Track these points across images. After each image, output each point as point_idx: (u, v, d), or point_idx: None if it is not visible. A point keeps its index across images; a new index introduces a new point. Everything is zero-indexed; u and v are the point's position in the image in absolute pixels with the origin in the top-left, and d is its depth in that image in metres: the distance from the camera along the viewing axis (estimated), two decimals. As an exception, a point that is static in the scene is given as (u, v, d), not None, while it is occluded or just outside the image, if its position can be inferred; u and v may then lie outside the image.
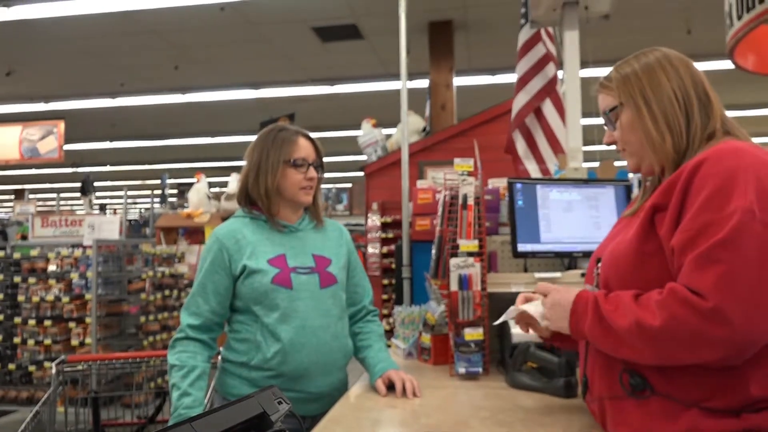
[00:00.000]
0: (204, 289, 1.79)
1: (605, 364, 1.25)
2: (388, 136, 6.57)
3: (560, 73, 3.51)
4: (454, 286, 1.98)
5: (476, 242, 2.01)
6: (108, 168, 17.11)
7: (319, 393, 1.79)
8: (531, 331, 1.56)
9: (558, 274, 2.07)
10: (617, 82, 1.33)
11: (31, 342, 5.32)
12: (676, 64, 1.29)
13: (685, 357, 1.08)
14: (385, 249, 6.51)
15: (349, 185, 17.25)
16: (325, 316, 1.81)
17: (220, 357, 1.89)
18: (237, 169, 9.37)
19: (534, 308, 1.42)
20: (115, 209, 19.40)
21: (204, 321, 1.78)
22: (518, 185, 2.19)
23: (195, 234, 7.53)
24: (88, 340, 5.14)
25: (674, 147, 1.25)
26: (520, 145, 3.69)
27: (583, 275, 2.05)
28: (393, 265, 5.94)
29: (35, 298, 5.36)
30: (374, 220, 6.53)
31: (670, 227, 1.15)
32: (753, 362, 1.07)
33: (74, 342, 5.21)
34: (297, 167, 1.84)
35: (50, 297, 5.34)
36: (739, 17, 2.85)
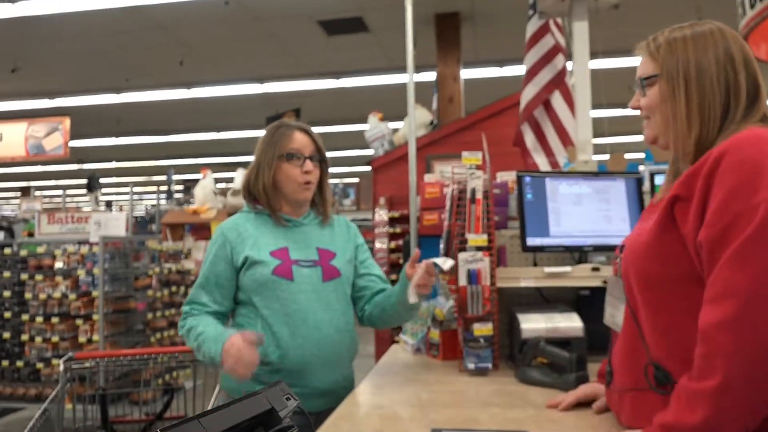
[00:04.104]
0: (207, 281, 1.83)
1: (631, 355, 1.23)
2: (395, 130, 6.56)
3: (569, 65, 3.49)
4: (462, 281, 1.97)
5: (485, 236, 2.01)
6: (114, 164, 17.17)
7: (323, 389, 1.79)
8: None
9: (568, 269, 2.07)
10: (663, 50, 1.23)
11: (38, 339, 5.37)
12: (731, 45, 1.19)
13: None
14: (392, 244, 6.50)
15: (356, 180, 17.25)
16: (327, 310, 1.81)
17: None
18: (243, 164, 9.36)
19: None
20: (121, 206, 19.49)
21: (205, 310, 1.82)
22: (527, 178, 2.19)
23: (201, 230, 7.57)
24: (95, 337, 5.18)
25: (698, 142, 1.18)
26: (529, 138, 3.67)
27: (593, 269, 2.05)
28: (401, 261, 5.94)
29: (42, 296, 5.40)
30: (381, 215, 6.52)
31: (694, 222, 1.10)
32: None
33: (82, 339, 5.24)
34: (291, 160, 1.85)
35: (57, 294, 5.38)
36: (752, 6, 2.82)
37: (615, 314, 1.32)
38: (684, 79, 1.19)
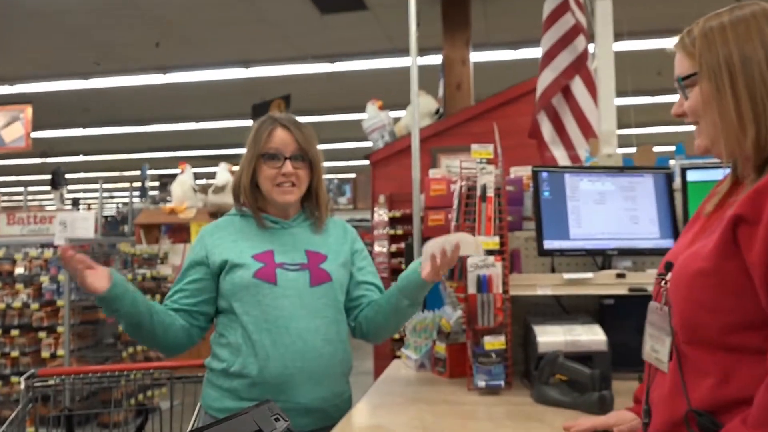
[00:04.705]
0: (179, 283, 1.91)
1: (670, 398, 1.20)
2: (397, 120, 6.57)
3: (591, 47, 3.49)
4: (472, 289, 1.97)
5: (497, 239, 2.01)
6: (81, 158, 17.17)
7: (308, 406, 1.79)
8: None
9: (590, 275, 2.07)
10: (699, 43, 1.18)
11: (-4, 354, 5.36)
12: None
13: None
14: (393, 247, 6.52)
15: (353, 176, 17.27)
16: (314, 318, 1.82)
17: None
18: (226, 158, 9.25)
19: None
20: (89, 204, 19.50)
21: (180, 307, 1.88)
22: (544, 174, 2.19)
23: (179, 232, 7.56)
24: (60, 352, 5.17)
25: (756, 143, 1.12)
26: (546, 129, 3.67)
27: (618, 276, 2.05)
28: (403, 266, 5.95)
29: (1, 305, 5.40)
30: (381, 214, 6.53)
31: (762, 250, 1.05)
32: None
33: (45, 354, 5.24)
34: (268, 161, 1.87)
35: (17, 303, 5.37)
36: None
37: (659, 349, 1.27)
38: (728, 74, 1.14)
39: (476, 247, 1.81)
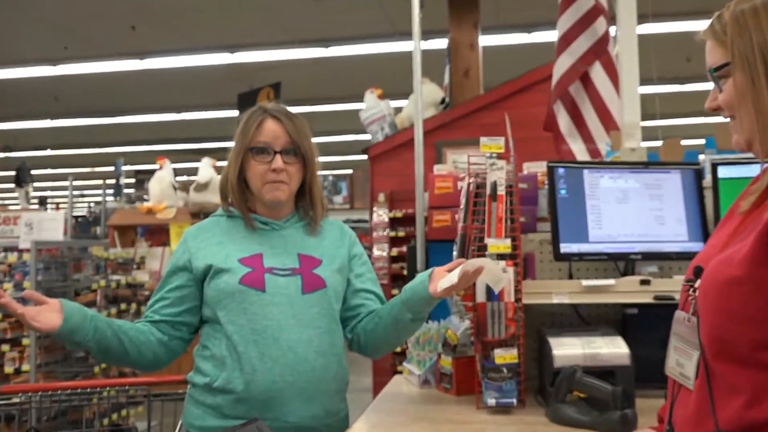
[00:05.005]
0: (160, 290, 1.92)
1: (695, 417, 1.20)
2: (398, 111, 6.57)
3: (613, 30, 3.50)
4: (481, 297, 1.98)
5: (508, 242, 2.01)
6: (49, 152, 17.17)
7: (299, 424, 1.80)
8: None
9: (611, 282, 2.07)
10: (731, 30, 1.19)
11: (-45, 369, 5.36)
12: None
13: None
14: (394, 251, 6.53)
15: (350, 172, 17.23)
16: (306, 328, 1.83)
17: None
18: (209, 152, 9.22)
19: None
20: (58, 204, 19.48)
21: (161, 318, 1.89)
22: (561, 170, 2.19)
23: (157, 234, 7.56)
24: (25, 367, 5.17)
25: None
26: (563, 121, 3.67)
27: (642, 283, 2.05)
28: (405, 271, 5.95)
29: (-40, 315, 5.39)
30: (381, 215, 6.54)
31: None
32: None
33: (8, 369, 5.23)
34: (257, 155, 1.88)
35: (-21, 313, 5.37)
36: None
37: (684, 364, 1.27)
38: (763, 63, 1.15)
39: (497, 282, 1.79)
